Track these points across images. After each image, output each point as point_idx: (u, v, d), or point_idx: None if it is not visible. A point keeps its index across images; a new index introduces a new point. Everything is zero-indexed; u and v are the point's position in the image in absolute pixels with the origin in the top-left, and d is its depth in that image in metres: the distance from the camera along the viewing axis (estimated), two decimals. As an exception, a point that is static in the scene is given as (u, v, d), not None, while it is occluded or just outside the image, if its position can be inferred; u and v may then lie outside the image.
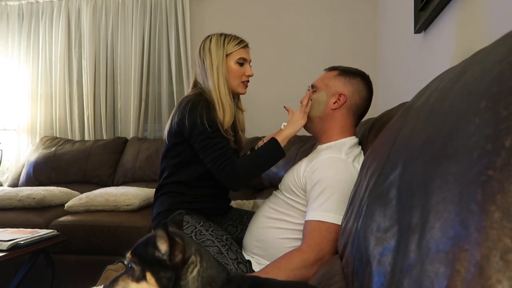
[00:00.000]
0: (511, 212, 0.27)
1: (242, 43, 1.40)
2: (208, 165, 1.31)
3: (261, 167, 1.33)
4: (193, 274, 0.56)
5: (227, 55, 1.37)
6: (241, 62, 1.39)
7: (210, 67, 1.36)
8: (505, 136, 0.29)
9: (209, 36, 1.42)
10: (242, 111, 1.52)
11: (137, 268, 0.57)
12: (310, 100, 1.26)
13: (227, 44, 1.37)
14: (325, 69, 1.29)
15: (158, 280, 0.55)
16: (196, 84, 1.44)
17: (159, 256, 0.55)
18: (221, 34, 1.41)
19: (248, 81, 1.43)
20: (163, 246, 0.55)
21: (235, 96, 1.47)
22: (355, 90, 1.20)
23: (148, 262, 0.56)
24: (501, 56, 0.35)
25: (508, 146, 0.28)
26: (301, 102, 1.29)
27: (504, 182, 0.27)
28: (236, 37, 1.41)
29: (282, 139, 1.29)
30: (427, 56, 1.42)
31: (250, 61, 1.45)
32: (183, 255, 0.56)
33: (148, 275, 0.56)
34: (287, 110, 1.36)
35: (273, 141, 1.29)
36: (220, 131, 1.32)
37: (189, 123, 1.30)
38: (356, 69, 1.25)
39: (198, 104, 1.32)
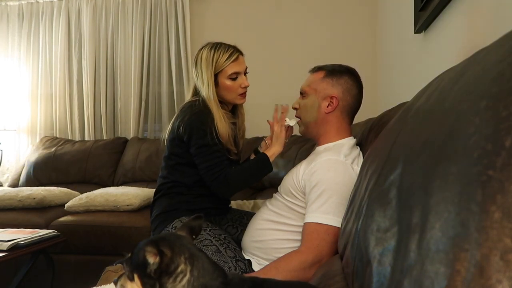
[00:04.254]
0: (511, 212, 0.27)
1: (233, 55, 1.34)
2: (202, 171, 1.33)
3: (251, 180, 1.38)
4: (182, 283, 0.56)
5: (217, 74, 1.34)
6: (234, 77, 1.35)
7: (201, 84, 1.36)
8: (505, 136, 0.29)
9: (201, 49, 1.39)
10: (243, 115, 1.54)
11: (127, 269, 0.60)
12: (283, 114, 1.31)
13: (216, 62, 1.33)
14: (310, 70, 1.27)
15: (143, 284, 0.58)
16: (196, 92, 1.45)
17: (148, 265, 0.57)
18: (211, 47, 1.36)
19: (245, 91, 1.41)
20: (150, 259, 0.56)
21: (239, 107, 1.50)
22: (344, 90, 1.18)
23: (136, 265, 0.59)
24: (501, 56, 0.35)
25: (508, 146, 0.28)
26: (293, 107, 1.29)
27: (504, 182, 0.27)
28: (227, 49, 1.35)
29: (271, 155, 1.33)
30: (427, 56, 1.42)
31: (246, 69, 1.40)
32: (167, 266, 0.56)
33: (136, 277, 0.59)
34: (270, 125, 1.38)
35: (264, 156, 1.33)
36: (219, 140, 1.35)
37: (190, 128, 1.33)
38: (341, 66, 1.23)
39: (200, 110, 1.34)
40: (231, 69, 1.34)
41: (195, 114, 1.34)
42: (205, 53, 1.35)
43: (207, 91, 1.35)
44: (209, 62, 1.33)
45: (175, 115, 1.42)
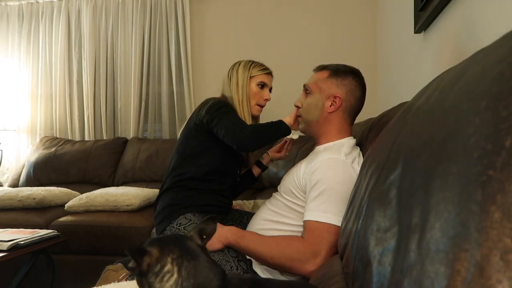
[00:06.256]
0: (511, 212, 0.27)
1: (266, 70, 1.57)
2: (223, 130, 1.35)
3: (267, 131, 1.37)
4: (169, 283, 0.57)
5: (250, 77, 1.55)
6: (262, 85, 1.55)
7: (235, 84, 1.54)
8: (505, 136, 0.29)
9: (239, 61, 1.61)
10: None
11: (121, 267, 0.62)
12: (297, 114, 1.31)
13: (252, 68, 1.56)
14: (314, 69, 1.27)
15: (137, 281, 0.60)
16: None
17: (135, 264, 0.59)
18: (249, 60, 1.59)
19: (264, 105, 1.57)
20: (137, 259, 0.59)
21: (254, 118, 1.58)
22: (348, 91, 1.19)
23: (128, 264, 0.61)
24: (501, 56, 0.35)
25: (508, 146, 0.28)
26: (295, 105, 1.29)
27: (504, 182, 0.27)
28: (261, 64, 1.59)
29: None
30: (427, 56, 1.42)
31: (271, 88, 1.60)
32: (149, 266, 0.57)
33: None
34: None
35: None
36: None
37: (212, 108, 1.41)
38: (346, 67, 1.23)
39: (223, 100, 1.48)
40: (261, 78, 1.56)
41: (218, 100, 1.46)
42: (243, 62, 1.59)
43: (240, 91, 1.52)
44: (247, 67, 1.57)
45: (196, 108, 1.53)
